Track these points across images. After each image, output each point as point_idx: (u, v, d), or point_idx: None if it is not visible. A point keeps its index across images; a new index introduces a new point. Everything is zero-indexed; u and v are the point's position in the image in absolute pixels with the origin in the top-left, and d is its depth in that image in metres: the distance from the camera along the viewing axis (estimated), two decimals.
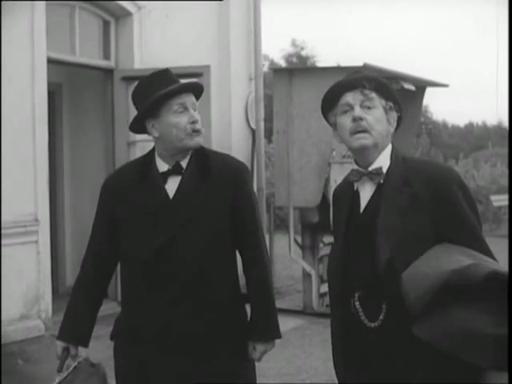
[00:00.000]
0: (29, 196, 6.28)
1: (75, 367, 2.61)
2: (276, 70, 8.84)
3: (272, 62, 32.17)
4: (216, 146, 6.99)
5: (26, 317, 6.21)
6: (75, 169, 8.25)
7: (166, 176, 2.58)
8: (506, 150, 25.44)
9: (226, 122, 8.25)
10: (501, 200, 16.00)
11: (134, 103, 2.64)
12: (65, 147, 8.24)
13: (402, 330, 2.12)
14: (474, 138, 40.24)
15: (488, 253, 2.21)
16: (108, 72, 7.56)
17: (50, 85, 6.73)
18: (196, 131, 2.55)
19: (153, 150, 2.65)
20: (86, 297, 2.70)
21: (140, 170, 2.63)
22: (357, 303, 2.25)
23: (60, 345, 2.66)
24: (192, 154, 2.60)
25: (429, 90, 8.88)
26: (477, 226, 2.23)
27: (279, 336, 2.66)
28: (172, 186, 2.56)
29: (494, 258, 2.20)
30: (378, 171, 2.27)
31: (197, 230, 2.52)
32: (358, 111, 2.24)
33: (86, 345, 2.69)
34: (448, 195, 2.20)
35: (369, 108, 2.26)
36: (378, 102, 2.27)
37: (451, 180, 2.23)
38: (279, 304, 7.52)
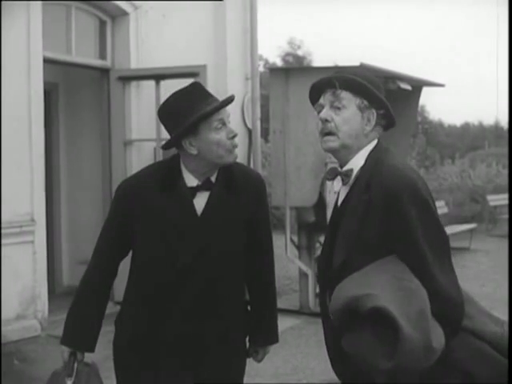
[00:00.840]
0: (25, 196, 6.27)
1: (77, 370, 2.59)
2: (272, 70, 8.83)
3: (267, 62, 32.13)
4: None
5: (22, 317, 6.20)
6: (71, 168, 8.23)
7: (194, 191, 2.53)
8: (501, 150, 25.50)
9: None
10: (497, 200, 16.02)
11: (165, 120, 2.54)
12: (61, 147, 8.22)
13: None
14: (470, 137, 40.27)
15: (427, 275, 2.12)
16: (104, 72, 7.55)
17: (46, 84, 6.72)
18: (235, 146, 2.53)
19: (177, 162, 2.57)
20: (93, 299, 2.66)
21: (164, 181, 2.55)
22: (327, 300, 2.29)
23: (66, 350, 2.60)
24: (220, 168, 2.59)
25: (425, 90, 8.88)
26: (421, 245, 2.13)
27: (278, 340, 2.79)
28: (200, 201, 2.53)
29: (432, 282, 2.12)
30: (348, 173, 2.28)
31: (220, 245, 2.53)
32: (324, 112, 2.27)
33: (93, 350, 2.65)
34: (397, 207, 2.15)
35: (338, 108, 2.26)
36: (350, 101, 2.26)
37: (403, 192, 2.15)
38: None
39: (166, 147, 2.59)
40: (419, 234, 2.14)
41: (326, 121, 2.26)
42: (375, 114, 2.28)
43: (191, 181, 2.53)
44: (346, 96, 2.26)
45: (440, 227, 2.21)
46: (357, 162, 2.28)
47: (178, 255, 2.49)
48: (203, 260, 2.50)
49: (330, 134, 2.26)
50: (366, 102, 2.27)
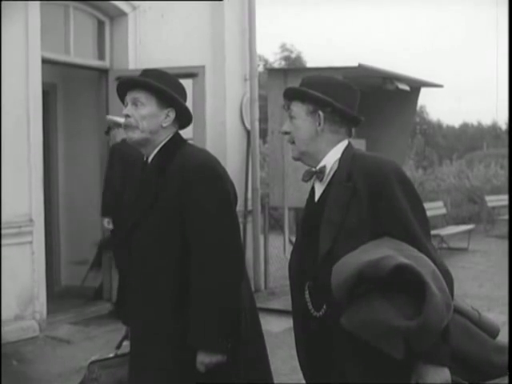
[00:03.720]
0: (23, 196, 6.26)
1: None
2: (270, 71, 8.84)
3: (266, 62, 32.08)
4: (211, 146, 6.98)
5: (21, 317, 6.19)
6: (70, 169, 8.23)
7: (144, 167, 2.73)
8: (500, 151, 25.55)
9: (221, 123, 8.25)
10: (495, 200, 16.05)
11: None
12: (59, 147, 8.21)
13: (338, 319, 2.18)
14: (468, 138, 40.31)
15: (422, 248, 2.20)
16: (103, 72, 7.54)
17: (44, 85, 6.71)
18: (125, 125, 2.67)
19: None
20: None
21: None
22: (306, 293, 2.33)
23: (125, 326, 2.88)
24: (160, 148, 2.68)
25: (423, 90, 8.90)
26: (411, 222, 2.23)
27: (221, 348, 2.51)
28: None
29: (428, 254, 2.20)
30: (321, 169, 2.38)
31: (148, 223, 2.60)
32: (284, 126, 2.44)
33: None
34: (383, 189, 2.24)
35: (292, 118, 2.40)
36: (300, 111, 2.39)
37: (388, 174, 2.26)
38: (273, 304, 7.56)
39: None
40: (409, 214, 2.23)
41: (285, 133, 2.42)
42: (322, 114, 2.37)
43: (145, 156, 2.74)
44: (295, 106, 2.40)
45: (424, 208, 2.31)
46: (329, 160, 2.38)
47: (124, 225, 2.76)
48: (136, 232, 2.63)
49: (291, 143, 2.41)
50: (311, 107, 2.38)
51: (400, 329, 2.02)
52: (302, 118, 2.38)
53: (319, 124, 2.37)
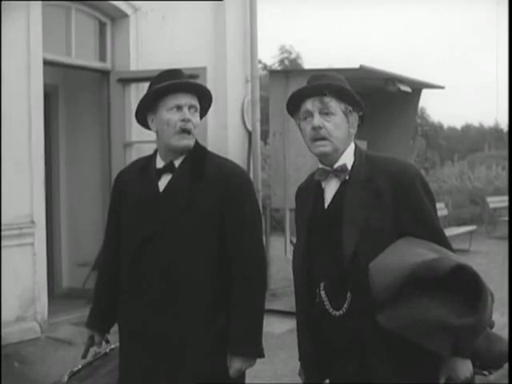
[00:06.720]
0: (25, 198, 6.26)
1: (105, 353, 2.73)
2: (272, 72, 8.86)
3: (266, 66, 32.03)
4: (212, 148, 6.90)
5: (22, 319, 6.19)
6: (71, 170, 8.23)
7: (160, 173, 2.61)
8: (501, 152, 25.52)
9: (222, 124, 8.25)
10: (496, 202, 16.03)
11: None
12: (61, 149, 8.21)
13: (365, 317, 2.22)
14: (470, 139, 40.28)
15: (448, 247, 2.28)
16: (104, 74, 7.55)
17: (45, 86, 6.71)
18: (186, 130, 2.54)
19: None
20: (106, 286, 2.77)
21: (143, 165, 2.69)
22: (322, 293, 2.34)
23: (87, 332, 2.79)
24: (188, 154, 2.61)
25: (425, 92, 8.90)
26: (437, 224, 2.31)
27: (260, 354, 2.57)
28: (164, 183, 2.60)
29: (454, 252, 2.27)
30: (343, 168, 2.37)
31: (178, 229, 2.52)
32: (316, 120, 2.35)
33: (104, 331, 2.79)
34: (410, 191, 2.29)
35: (327, 114, 2.35)
36: (337, 107, 2.36)
37: (413, 176, 2.32)
38: (275, 305, 7.55)
39: (136, 118, 2.69)
40: (434, 216, 2.31)
41: (319, 127, 2.35)
42: (356, 117, 2.42)
43: (159, 163, 2.63)
44: (333, 103, 2.36)
45: (435, 200, 2.38)
46: (347, 159, 2.39)
47: (137, 232, 2.56)
48: (158, 239, 2.52)
49: (322, 139, 2.35)
50: (350, 107, 2.39)
51: (454, 326, 2.07)
52: (339, 116, 2.37)
53: (352, 125, 2.40)
